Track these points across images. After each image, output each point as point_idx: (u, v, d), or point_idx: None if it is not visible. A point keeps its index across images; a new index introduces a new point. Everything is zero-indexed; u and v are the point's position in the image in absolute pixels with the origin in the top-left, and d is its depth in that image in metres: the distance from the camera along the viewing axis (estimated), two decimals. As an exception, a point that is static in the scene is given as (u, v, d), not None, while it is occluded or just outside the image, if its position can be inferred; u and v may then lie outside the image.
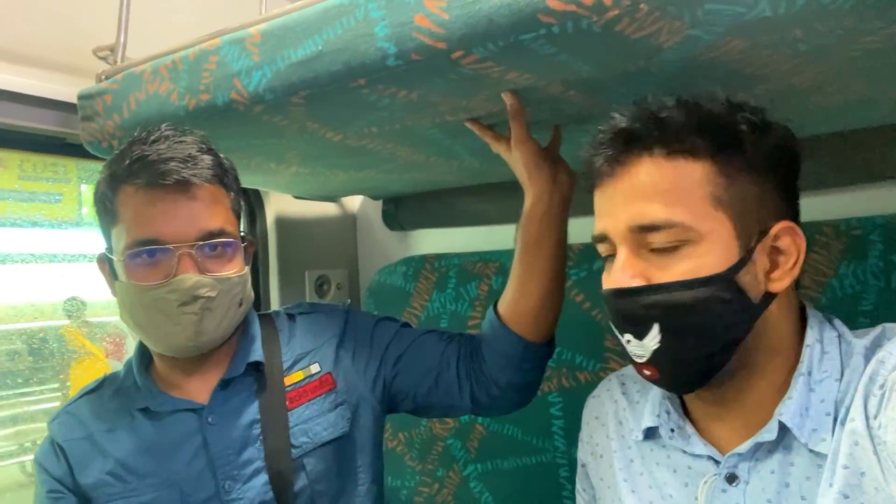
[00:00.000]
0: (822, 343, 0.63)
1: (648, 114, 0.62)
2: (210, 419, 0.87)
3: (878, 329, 0.63)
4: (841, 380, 0.61)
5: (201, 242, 0.81)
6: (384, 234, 1.69)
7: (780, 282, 0.62)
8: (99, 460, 0.88)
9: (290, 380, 0.92)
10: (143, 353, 0.93)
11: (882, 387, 0.57)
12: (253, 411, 0.89)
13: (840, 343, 0.63)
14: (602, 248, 0.67)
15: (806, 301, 1.03)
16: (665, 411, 0.70)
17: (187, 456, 0.87)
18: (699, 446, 0.67)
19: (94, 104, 1.02)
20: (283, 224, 1.57)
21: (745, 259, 0.60)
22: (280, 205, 1.56)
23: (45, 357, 2.84)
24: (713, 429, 0.67)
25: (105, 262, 0.87)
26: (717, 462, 0.65)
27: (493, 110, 0.87)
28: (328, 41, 0.74)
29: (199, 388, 0.90)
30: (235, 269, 0.85)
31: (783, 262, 0.62)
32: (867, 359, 0.60)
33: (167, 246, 0.80)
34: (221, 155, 0.87)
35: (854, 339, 0.63)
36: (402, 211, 1.61)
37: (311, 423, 0.91)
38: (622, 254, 0.63)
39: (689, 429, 0.68)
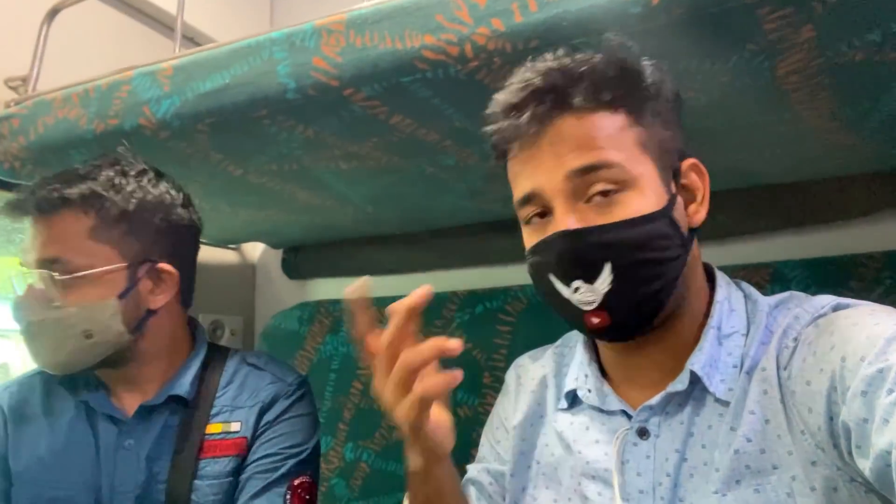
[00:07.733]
0: (730, 301, 0.68)
1: (565, 69, 0.63)
2: (127, 444, 0.88)
3: (785, 294, 0.70)
4: (747, 335, 0.66)
5: (36, 270, 0.85)
6: (283, 283, 1.74)
7: (697, 215, 0.67)
8: (34, 441, 0.89)
9: (209, 428, 0.91)
10: None
11: (795, 339, 0.62)
12: (168, 449, 0.88)
13: (746, 302, 0.69)
14: (528, 210, 0.67)
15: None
16: (584, 375, 0.74)
17: (107, 467, 0.88)
18: (614, 402, 0.70)
19: (1, 127, 1.05)
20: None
21: (673, 197, 0.64)
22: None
23: None
24: (627, 388, 0.71)
25: None
26: (630, 417, 0.69)
27: (382, 161, 0.98)
28: (235, 76, 0.83)
29: (132, 399, 0.91)
30: (77, 299, 0.84)
31: (693, 197, 0.68)
32: (771, 316, 0.67)
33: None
34: (115, 178, 0.88)
35: (760, 298, 0.69)
36: (302, 260, 1.67)
37: (205, 482, 0.88)
38: (561, 205, 0.63)
39: (606, 388, 0.71)
